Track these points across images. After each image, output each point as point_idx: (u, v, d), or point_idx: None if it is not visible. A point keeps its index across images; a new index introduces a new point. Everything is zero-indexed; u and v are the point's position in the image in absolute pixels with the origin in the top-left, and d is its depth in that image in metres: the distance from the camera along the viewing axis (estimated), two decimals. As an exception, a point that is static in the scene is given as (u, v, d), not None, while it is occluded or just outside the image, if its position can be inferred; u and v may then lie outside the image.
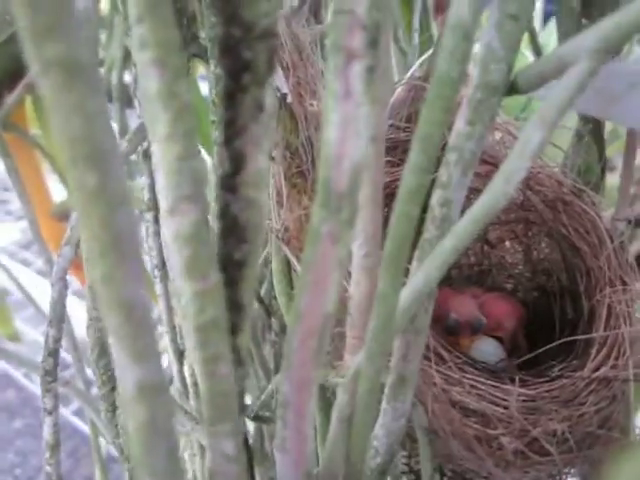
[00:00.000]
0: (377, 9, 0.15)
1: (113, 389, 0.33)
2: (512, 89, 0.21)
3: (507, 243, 0.46)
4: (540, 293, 0.44)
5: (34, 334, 1.16)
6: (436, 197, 0.21)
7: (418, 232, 0.20)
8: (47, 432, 0.37)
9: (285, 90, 0.29)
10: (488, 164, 0.39)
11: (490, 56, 0.20)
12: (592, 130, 0.42)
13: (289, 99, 0.29)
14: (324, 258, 0.15)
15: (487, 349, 0.38)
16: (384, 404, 0.23)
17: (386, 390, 0.23)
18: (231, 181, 0.15)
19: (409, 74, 0.42)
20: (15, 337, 0.58)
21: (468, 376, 0.29)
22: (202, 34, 0.36)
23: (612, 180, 0.47)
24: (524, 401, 0.29)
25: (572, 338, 0.34)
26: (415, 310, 0.22)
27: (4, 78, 0.48)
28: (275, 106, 0.31)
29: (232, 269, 0.16)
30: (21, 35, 0.10)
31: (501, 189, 0.19)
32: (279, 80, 0.29)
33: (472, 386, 0.29)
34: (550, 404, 0.29)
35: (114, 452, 0.51)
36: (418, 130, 0.18)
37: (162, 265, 0.44)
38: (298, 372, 0.16)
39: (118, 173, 0.11)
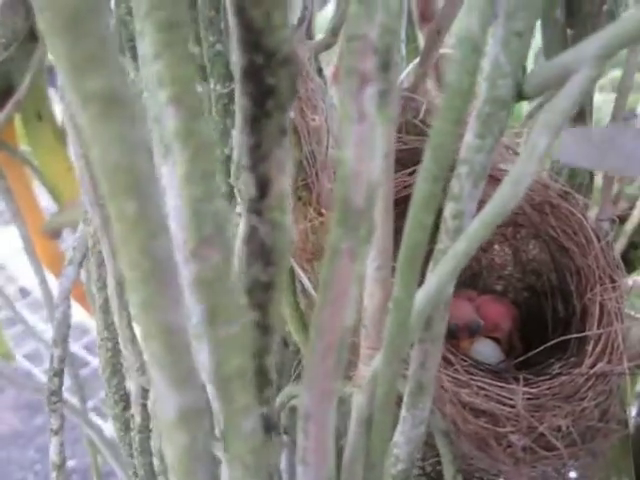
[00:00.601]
0: (389, 34, 0.15)
1: (125, 408, 0.33)
2: (518, 96, 0.22)
3: (496, 246, 0.47)
4: (531, 293, 0.45)
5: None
6: (448, 209, 0.22)
7: (431, 241, 0.21)
8: (53, 452, 0.37)
9: None
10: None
11: (497, 72, 0.21)
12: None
13: (291, 115, 0.30)
14: (343, 274, 0.15)
15: (486, 350, 0.39)
16: (403, 412, 0.24)
17: (405, 398, 0.24)
18: (257, 205, 0.15)
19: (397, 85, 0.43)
20: (8, 356, 0.57)
21: (475, 378, 0.31)
22: (196, 51, 0.37)
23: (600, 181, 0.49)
24: (529, 399, 0.31)
25: (568, 337, 0.35)
26: (429, 314, 0.23)
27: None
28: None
29: (259, 292, 0.16)
30: (58, 67, 0.10)
31: (510, 193, 0.20)
32: None
33: (480, 387, 0.30)
34: (553, 401, 0.31)
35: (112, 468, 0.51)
36: (430, 140, 0.18)
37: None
38: (319, 384, 0.17)
39: (157, 201, 0.11)
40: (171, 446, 0.13)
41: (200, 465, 0.13)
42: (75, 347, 1.03)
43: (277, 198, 0.15)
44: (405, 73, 0.45)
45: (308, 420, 0.18)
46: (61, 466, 0.38)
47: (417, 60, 0.44)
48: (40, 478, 1.15)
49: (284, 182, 0.16)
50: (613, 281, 0.37)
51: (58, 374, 0.36)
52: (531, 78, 0.21)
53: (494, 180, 0.44)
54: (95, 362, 1.12)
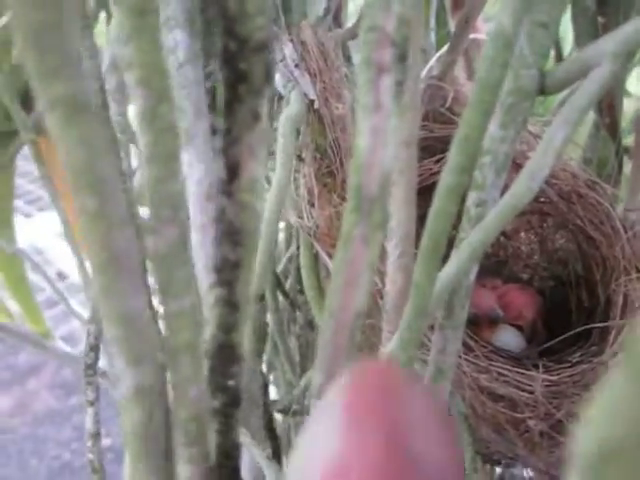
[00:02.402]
0: (406, 25, 0.16)
1: None
2: (540, 91, 0.22)
3: (523, 234, 0.47)
4: (556, 282, 0.46)
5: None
6: (472, 198, 0.22)
7: (454, 229, 0.22)
8: (89, 422, 0.39)
9: (312, 96, 0.30)
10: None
11: (521, 62, 0.22)
12: (609, 124, 0.43)
13: (316, 104, 0.31)
14: (356, 260, 0.16)
15: (508, 338, 0.39)
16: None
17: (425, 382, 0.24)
18: (227, 187, 0.15)
19: (424, 73, 0.43)
20: (47, 335, 0.60)
21: (495, 364, 0.31)
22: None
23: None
24: (547, 386, 0.31)
25: (591, 326, 0.35)
26: (450, 301, 0.23)
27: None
28: (304, 111, 0.33)
29: (227, 271, 0.16)
30: (29, 74, 0.11)
31: (526, 185, 0.21)
32: (306, 86, 0.30)
33: (499, 373, 0.31)
34: (572, 388, 0.31)
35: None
36: (458, 131, 0.19)
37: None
38: (331, 364, 0.18)
39: (117, 198, 0.12)
40: (127, 422, 0.14)
41: (154, 440, 0.14)
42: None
43: (247, 181, 0.16)
44: (434, 60, 0.45)
45: (320, 399, 0.19)
46: (96, 436, 0.40)
47: (446, 47, 0.44)
48: (76, 455, 1.19)
49: (255, 166, 0.16)
50: (639, 272, 0.37)
51: (94, 349, 0.38)
52: (552, 73, 0.22)
53: (521, 168, 0.44)
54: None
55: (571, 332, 0.36)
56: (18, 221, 0.65)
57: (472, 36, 0.46)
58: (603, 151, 0.43)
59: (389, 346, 0.24)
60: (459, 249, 0.21)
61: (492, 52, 0.19)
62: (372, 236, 0.16)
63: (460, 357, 0.30)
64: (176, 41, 0.25)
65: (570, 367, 0.33)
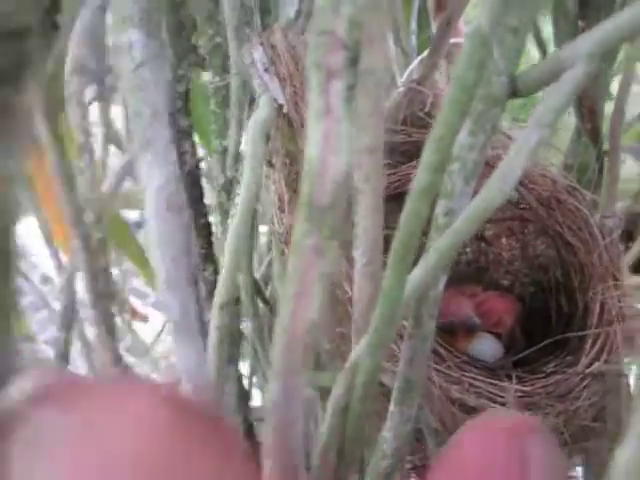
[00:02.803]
0: (357, 29, 0.15)
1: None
2: (512, 92, 0.22)
3: (504, 240, 0.47)
4: (537, 289, 0.45)
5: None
6: (440, 207, 0.22)
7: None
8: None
9: (281, 101, 0.30)
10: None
11: (491, 68, 0.21)
12: (590, 129, 0.43)
13: (285, 109, 0.30)
14: (308, 270, 0.15)
15: (486, 345, 0.39)
16: (392, 407, 0.24)
17: (394, 393, 0.24)
18: None
19: (404, 77, 0.43)
20: (31, 339, 0.59)
21: (467, 374, 0.30)
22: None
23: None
24: (521, 397, 0.30)
25: (564, 335, 0.35)
26: (418, 311, 0.23)
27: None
28: (273, 115, 0.32)
29: None
30: None
31: (498, 188, 0.20)
32: (275, 91, 0.29)
33: (471, 384, 0.30)
34: (545, 399, 0.30)
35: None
36: (433, 131, 0.18)
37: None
38: (284, 378, 0.17)
39: None
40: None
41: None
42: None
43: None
44: (415, 63, 0.45)
45: (274, 412, 0.18)
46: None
47: (428, 50, 0.44)
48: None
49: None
50: (616, 279, 0.36)
51: (64, 357, 0.37)
52: (525, 75, 0.21)
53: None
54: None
55: (546, 341, 0.36)
56: None
57: (454, 40, 0.45)
58: (584, 156, 0.43)
59: (356, 351, 0.23)
60: (427, 255, 0.21)
61: (469, 52, 0.19)
62: (325, 246, 0.15)
63: (431, 367, 0.30)
64: (131, 41, 0.24)
65: (544, 377, 0.32)
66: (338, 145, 0.15)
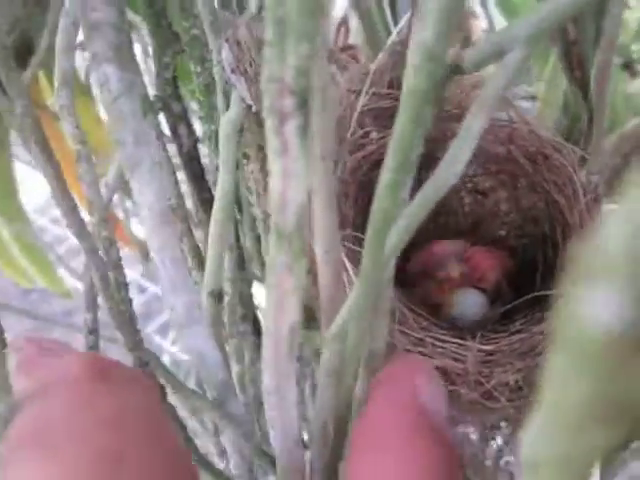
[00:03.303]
0: (303, 76, 0.17)
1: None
2: (456, 70, 0.23)
3: (499, 193, 0.48)
4: (529, 240, 0.46)
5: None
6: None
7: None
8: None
9: (249, 101, 0.31)
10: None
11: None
12: (579, 78, 0.42)
13: (254, 109, 0.32)
14: (282, 283, 0.18)
15: (469, 300, 0.41)
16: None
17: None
18: None
19: (390, 40, 0.43)
20: (68, 294, 0.65)
21: (431, 334, 0.33)
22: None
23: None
24: (483, 356, 0.33)
25: (536, 294, 0.36)
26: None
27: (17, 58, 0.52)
28: (243, 114, 0.34)
29: None
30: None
31: (445, 176, 0.21)
32: (242, 91, 0.31)
33: (434, 345, 0.33)
34: (506, 358, 0.33)
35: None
36: (394, 132, 0.20)
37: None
38: (275, 367, 0.20)
39: None
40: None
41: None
42: (132, 274, 1.11)
43: None
44: (402, 24, 0.45)
45: (270, 395, 0.21)
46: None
47: (408, 14, 0.44)
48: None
49: None
50: (593, 237, 0.37)
51: (93, 332, 0.41)
52: (470, 54, 0.22)
53: (488, 129, 0.44)
54: (153, 288, 1.20)
55: (520, 300, 0.37)
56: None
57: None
58: (576, 107, 0.43)
59: (338, 317, 0.25)
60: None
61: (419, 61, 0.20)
62: (295, 264, 0.18)
63: (396, 330, 0.32)
64: (106, 75, 0.26)
65: (508, 336, 0.34)
66: (296, 181, 0.17)
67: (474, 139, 0.21)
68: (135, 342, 0.33)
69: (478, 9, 0.57)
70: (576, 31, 0.41)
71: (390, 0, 0.55)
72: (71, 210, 0.53)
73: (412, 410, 0.17)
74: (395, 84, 0.43)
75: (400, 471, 0.16)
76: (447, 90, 0.43)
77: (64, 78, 0.31)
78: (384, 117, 0.43)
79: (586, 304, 0.09)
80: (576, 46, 0.42)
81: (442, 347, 0.33)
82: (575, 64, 0.42)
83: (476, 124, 0.21)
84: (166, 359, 0.90)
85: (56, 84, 0.31)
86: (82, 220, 0.53)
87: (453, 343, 0.33)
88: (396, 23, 0.54)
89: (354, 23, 0.80)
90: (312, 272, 0.33)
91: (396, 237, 0.22)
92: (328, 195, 0.28)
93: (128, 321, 0.35)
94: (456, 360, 0.32)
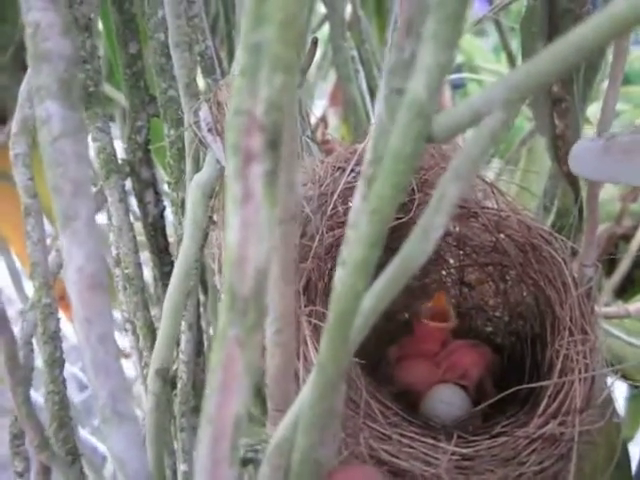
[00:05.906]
0: (276, 110, 0.14)
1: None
2: (428, 138, 0.21)
3: (486, 286, 0.45)
4: (517, 338, 0.43)
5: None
6: (337, 275, 0.20)
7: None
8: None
9: (223, 162, 0.29)
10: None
11: (380, 129, 0.20)
12: (567, 172, 0.41)
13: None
14: (231, 362, 0.14)
15: (448, 397, 0.37)
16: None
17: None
18: None
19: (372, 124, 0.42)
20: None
21: (401, 432, 0.29)
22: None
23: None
24: (459, 460, 0.29)
25: (519, 387, 0.33)
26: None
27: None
28: (215, 178, 0.32)
29: None
30: None
31: (419, 246, 0.19)
32: (219, 152, 0.29)
33: (404, 444, 0.29)
34: (486, 464, 0.29)
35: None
36: (369, 203, 0.17)
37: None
38: (211, 473, 0.16)
39: None
40: None
41: None
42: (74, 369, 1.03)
43: None
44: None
45: None
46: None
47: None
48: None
49: None
50: (585, 333, 0.34)
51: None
52: (441, 121, 0.20)
53: (475, 218, 0.42)
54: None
55: (499, 396, 0.34)
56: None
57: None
58: (564, 200, 0.41)
59: (278, 430, 0.21)
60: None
61: (405, 121, 0.17)
62: (248, 338, 0.14)
63: (363, 425, 0.29)
64: (49, 112, 0.24)
65: (489, 439, 0.30)
66: (259, 233, 0.14)
67: (449, 210, 0.19)
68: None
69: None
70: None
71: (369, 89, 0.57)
72: None
73: None
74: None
75: None
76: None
77: (24, 125, 0.30)
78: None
79: None
80: (564, 142, 0.40)
81: (411, 447, 0.29)
82: (563, 159, 0.41)
83: (451, 192, 0.19)
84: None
85: (13, 130, 0.29)
86: None
87: (425, 443, 0.29)
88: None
89: (332, 121, 0.85)
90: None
91: (361, 319, 0.19)
92: (285, 265, 0.25)
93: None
94: (427, 464, 0.28)
